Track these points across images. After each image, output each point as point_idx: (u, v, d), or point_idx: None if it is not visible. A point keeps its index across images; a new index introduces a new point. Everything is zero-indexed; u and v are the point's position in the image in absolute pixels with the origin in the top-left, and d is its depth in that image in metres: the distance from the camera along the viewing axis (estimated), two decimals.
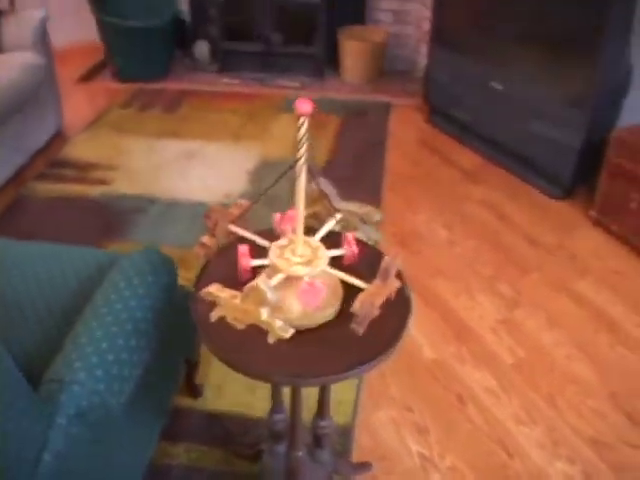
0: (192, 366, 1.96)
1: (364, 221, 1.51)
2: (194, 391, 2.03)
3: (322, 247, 1.27)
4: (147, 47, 4.38)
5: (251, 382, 2.10)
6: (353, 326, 1.17)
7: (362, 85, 4.54)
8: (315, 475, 1.72)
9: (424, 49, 4.28)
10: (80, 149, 3.62)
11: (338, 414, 1.99)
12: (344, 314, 1.24)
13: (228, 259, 1.34)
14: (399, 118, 4.05)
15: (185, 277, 1.78)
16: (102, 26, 4.31)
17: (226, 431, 1.98)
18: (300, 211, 1.21)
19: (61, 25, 4.28)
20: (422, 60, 4.37)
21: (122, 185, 3.26)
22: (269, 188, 1.36)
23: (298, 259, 1.23)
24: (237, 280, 1.28)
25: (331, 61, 4.59)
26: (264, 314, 1.13)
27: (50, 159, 3.49)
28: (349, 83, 4.57)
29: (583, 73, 2.91)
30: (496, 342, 2.35)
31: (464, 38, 3.59)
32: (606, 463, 1.93)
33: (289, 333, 1.14)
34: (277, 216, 1.39)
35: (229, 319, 1.18)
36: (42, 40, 3.40)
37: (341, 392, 2.08)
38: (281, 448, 1.72)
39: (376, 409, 2.08)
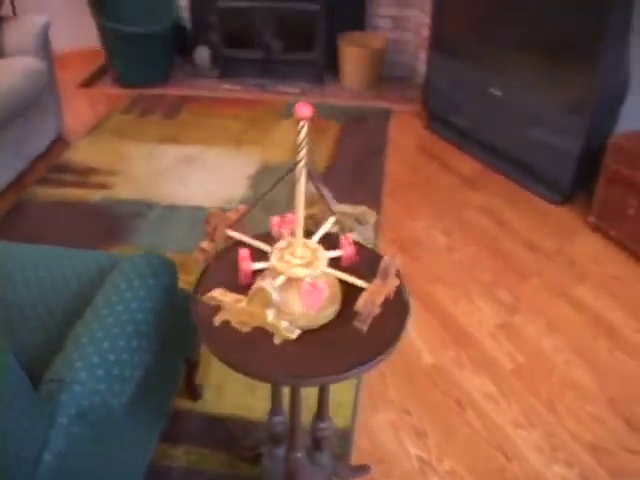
0: (192, 366, 1.97)
1: (359, 222, 1.52)
2: (194, 392, 2.04)
3: (321, 248, 1.28)
4: (148, 53, 4.40)
5: (251, 384, 2.12)
6: (356, 324, 1.18)
7: (362, 91, 4.56)
8: (314, 477, 1.72)
9: (423, 55, 4.30)
10: (81, 154, 3.63)
11: (337, 417, 1.99)
12: (343, 314, 1.26)
13: (226, 263, 1.36)
14: (398, 124, 4.07)
15: (185, 281, 1.79)
16: (103, 32, 4.34)
17: (226, 434, 1.98)
18: (300, 213, 1.22)
19: (62, 30, 4.30)
20: (421, 66, 4.39)
21: (123, 190, 3.28)
22: (267, 192, 1.37)
23: (298, 261, 1.24)
24: (237, 284, 1.29)
25: (331, 67, 4.61)
26: (270, 316, 1.14)
27: (51, 164, 3.50)
28: (349, 89, 4.59)
29: (582, 80, 2.92)
30: (495, 347, 2.36)
31: (463, 44, 3.60)
32: (604, 468, 1.93)
33: (295, 334, 1.16)
34: (275, 220, 1.40)
35: (234, 323, 1.19)
36: (43, 45, 3.41)
37: (340, 395, 2.09)
38: (280, 451, 1.72)
39: (375, 412, 2.09)
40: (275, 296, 1.14)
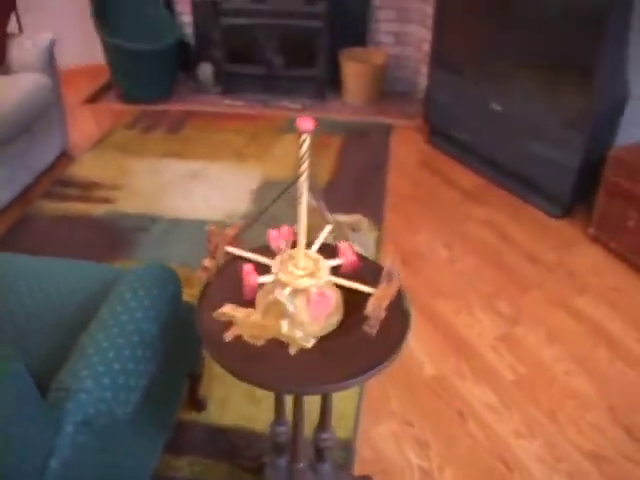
0: (195, 379, 1.99)
1: (354, 229, 1.55)
2: (197, 404, 2.06)
3: (322, 258, 1.30)
4: (152, 69, 4.45)
5: (254, 396, 2.14)
6: (366, 328, 1.22)
7: (363, 106, 4.60)
8: None
9: (424, 70, 4.34)
10: (85, 169, 3.67)
11: (340, 428, 2.01)
12: (344, 323, 1.28)
13: (226, 278, 1.38)
14: (400, 139, 4.10)
15: (189, 294, 1.82)
16: (107, 48, 4.39)
17: (229, 445, 2.00)
18: (302, 225, 1.25)
19: (67, 47, 4.35)
20: (422, 81, 4.43)
21: (126, 204, 3.31)
22: (269, 206, 1.40)
23: (302, 272, 1.27)
24: (240, 298, 1.31)
25: (333, 83, 4.65)
26: (285, 327, 1.17)
27: (56, 178, 3.54)
28: (350, 104, 4.63)
29: (581, 94, 2.96)
30: (496, 358, 2.37)
31: (464, 60, 3.65)
32: (605, 477, 1.94)
33: (311, 342, 1.19)
34: (272, 233, 1.42)
35: (246, 337, 1.21)
36: (49, 62, 3.46)
37: (343, 406, 2.11)
38: (283, 461, 1.74)
39: (377, 423, 2.10)
40: (290, 307, 1.17)
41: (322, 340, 1.25)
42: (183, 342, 1.76)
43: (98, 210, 3.25)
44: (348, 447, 2.00)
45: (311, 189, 1.25)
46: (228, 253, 1.42)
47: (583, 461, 1.99)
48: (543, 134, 3.17)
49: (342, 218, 1.47)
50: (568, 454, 2.01)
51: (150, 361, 1.42)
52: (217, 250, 1.41)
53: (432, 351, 2.41)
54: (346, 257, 1.37)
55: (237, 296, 1.31)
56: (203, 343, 1.25)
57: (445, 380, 2.28)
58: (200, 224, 3.11)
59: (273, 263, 1.30)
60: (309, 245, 1.37)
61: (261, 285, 1.32)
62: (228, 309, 1.21)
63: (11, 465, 1.10)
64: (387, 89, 4.70)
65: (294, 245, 1.36)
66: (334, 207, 1.46)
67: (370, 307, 1.22)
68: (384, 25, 4.64)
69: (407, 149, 3.98)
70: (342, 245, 1.40)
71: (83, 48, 4.83)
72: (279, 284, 1.25)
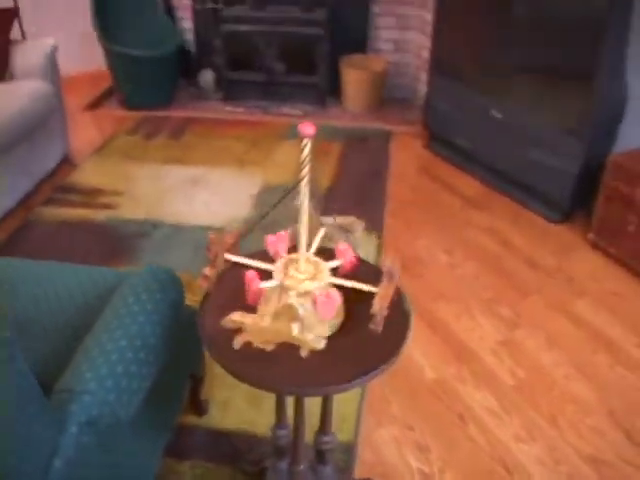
0: (197, 382, 2.00)
1: (348, 231, 1.56)
2: (199, 408, 2.07)
3: (321, 261, 1.32)
4: (153, 76, 4.48)
5: (255, 400, 2.15)
6: (372, 326, 1.25)
7: (363, 113, 4.62)
8: None
9: (424, 77, 4.37)
10: (87, 175, 3.69)
11: (341, 432, 2.02)
12: (345, 325, 1.30)
13: (225, 284, 1.39)
14: (399, 145, 4.12)
15: (191, 299, 1.83)
16: (109, 55, 4.41)
17: (231, 448, 2.01)
18: (303, 229, 1.26)
19: (69, 54, 4.38)
20: (422, 88, 4.45)
21: (128, 210, 3.32)
22: (270, 211, 1.41)
23: (303, 275, 1.28)
24: (241, 303, 1.32)
25: (333, 90, 4.67)
26: (295, 330, 1.20)
27: (57, 184, 3.56)
28: (350, 111, 4.65)
29: (580, 102, 2.97)
30: (496, 363, 2.38)
31: (463, 67, 3.67)
32: None
33: (322, 344, 1.21)
34: (270, 238, 1.43)
35: (257, 343, 1.22)
36: (51, 68, 3.48)
37: (344, 410, 2.12)
38: (284, 464, 1.75)
39: (378, 427, 2.11)
40: (302, 311, 1.20)
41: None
42: (185, 345, 1.78)
43: (99, 216, 3.26)
44: (349, 450, 2.01)
45: (311, 194, 1.27)
46: (227, 260, 1.43)
47: (583, 465, 2.00)
48: (543, 140, 3.19)
49: (336, 221, 1.47)
50: (568, 458, 2.02)
51: (153, 364, 1.43)
52: (217, 258, 1.42)
53: (432, 355, 2.42)
54: (345, 258, 1.39)
55: (237, 301, 1.32)
56: (205, 346, 1.26)
57: (446, 384, 2.29)
58: (201, 230, 3.14)
59: (275, 268, 1.31)
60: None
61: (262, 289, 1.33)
62: (237, 316, 1.23)
63: (15, 464, 1.11)
64: (387, 96, 4.73)
65: (291, 249, 1.38)
66: (334, 212, 1.48)
67: (377, 306, 1.24)
68: (384, 32, 4.67)
69: (407, 155, 4.00)
70: (341, 246, 1.41)
71: (85, 55, 4.86)
72: (283, 289, 1.26)
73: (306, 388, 1.22)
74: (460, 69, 3.68)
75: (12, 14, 3.55)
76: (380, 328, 1.25)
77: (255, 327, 1.22)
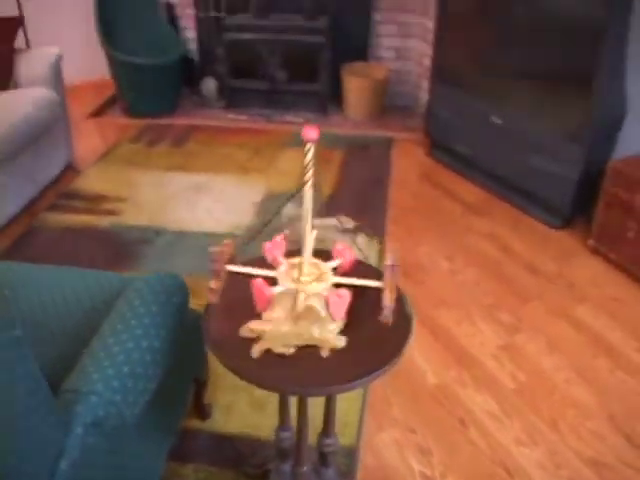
0: (201, 385, 2.02)
1: (339, 229, 1.58)
2: (203, 412, 2.08)
3: (321, 262, 1.34)
4: (156, 84, 4.51)
5: (258, 403, 2.16)
6: (382, 319, 1.30)
7: (365, 121, 4.65)
8: None
9: (425, 85, 4.40)
10: (90, 181, 3.71)
11: (343, 436, 2.03)
12: (346, 325, 1.32)
13: (227, 293, 1.41)
14: (401, 152, 4.15)
15: (195, 304, 1.84)
16: (113, 63, 4.45)
17: (234, 452, 2.02)
18: (307, 233, 1.28)
19: (73, 62, 4.41)
20: (423, 95, 4.48)
21: (131, 216, 3.35)
22: (272, 217, 1.44)
23: (309, 278, 1.30)
24: (250, 311, 1.33)
25: (335, 97, 4.70)
26: (316, 332, 1.24)
27: (61, 191, 3.59)
28: (352, 119, 4.68)
29: (580, 108, 3.00)
30: (497, 367, 2.40)
31: (464, 74, 3.70)
32: None
33: (343, 341, 1.25)
34: (267, 245, 1.44)
35: (276, 349, 1.25)
36: (56, 76, 3.52)
37: (346, 415, 2.13)
38: (287, 466, 1.76)
39: (380, 431, 2.13)
40: (323, 313, 1.24)
41: None
42: (189, 349, 1.80)
43: (103, 222, 3.29)
44: (351, 454, 2.02)
45: (314, 199, 1.29)
46: (230, 272, 1.44)
47: (583, 468, 2.01)
48: (543, 147, 3.22)
49: (327, 222, 1.49)
50: (569, 461, 2.03)
51: (158, 365, 1.45)
52: (221, 271, 1.42)
53: (434, 360, 2.43)
54: (345, 257, 1.41)
55: (242, 310, 1.34)
56: (210, 348, 1.28)
57: (447, 388, 2.31)
58: (204, 236, 3.16)
59: (278, 274, 1.33)
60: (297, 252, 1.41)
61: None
62: (255, 325, 1.26)
63: (21, 464, 1.12)
64: (388, 103, 4.75)
65: (287, 254, 1.40)
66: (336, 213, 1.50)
67: (387, 299, 1.28)
68: (385, 40, 4.70)
69: (408, 162, 4.02)
70: (339, 246, 1.43)
71: (88, 63, 4.90)
72: (291, 293, 1.28)
73: (309, 388, 1.23)
74: (461, 76, 3.71)
75: (17, 23, 3.58)
76: (390, 320, 1.29)
77: (275, 333, 1.24)
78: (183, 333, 1.66)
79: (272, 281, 1.32)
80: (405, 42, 4.67)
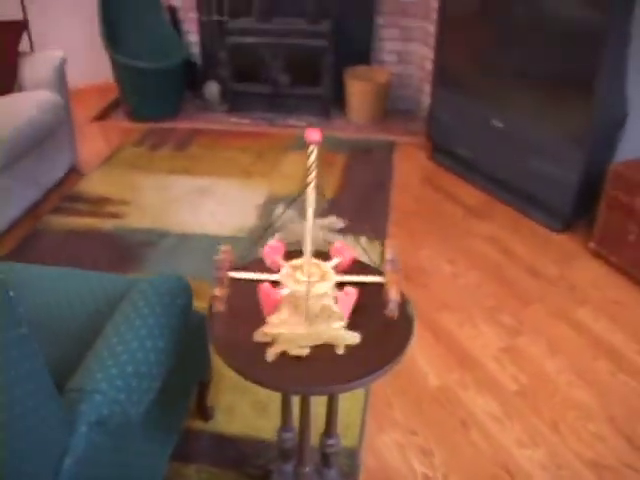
0: (203, 386, 2.03)
1: (330, 230, 1.60)
2: (205, 413, 2.09)
3: (321, 262, 1.36)
4: (159, 88, 4.54)
5: (260, 405, 2.18)
6: (388, 312, 1.32)
7: (367, 124, 4.66)
8: None
9: (427, 89, 4.42)
10: (94, 184, 3.73)
11: (345, 437, 2.04)
12: (348, 325, 1.33)
13: (229, 300, 1.41)
14: (403, 156, 4.16)
15: (199, 307, 1.86)
16: (116, 67, 4.48)
17: (236, 453, 2.03)
18: (309, 234, 1.30)
19: (77, 66, 4.44)
20: (425, 99, 4.50)
21: (134, 219, 3.36)
22: (274, 221, 1.45)
23: (313, 278, 1.32)
24: (253, 315, 1.34)
25: (337, 101, 4.72)
26: (334, 330, 1.28)
27: (65, 194, 3.61)
28: (354, 123, 4.69)
29: (580, 111, 3.01)
30: (499, 370, 2.41)
31: (466, 78, 3.72)
32: None
33: (358, 338, 1.27)
34: (266, 249, 1.45)
35: (292, 352, 1.27)
36: (60, 80, 3.54)
37: (348, 416, 2.14)
38: (289, 467, 1.77)
39: (382, 433, 2.14)
40: (336, 309, 1.27)
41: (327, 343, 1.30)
42: (193, 350, 1.81)
43: (107, 225, 3.31)
44: (353, 455, 2.03)
45: (317, 201, 1.30)
46: (234, 279, 1.44)
47: (584, 469, 2.02)
48: (544, 150, 3.23)
49: (317, 223, 1.50)
50: (570, 462, 2.04)
51: (162, 365, 1.47)
52: (224, 278, 1.42)
53: (436, 362, 2.44)
54: (344, 256, 1.42)
55: (248, 315, 1.36)
56: (214, 348, 1.30)
57: (449, 390, 2.32)
58: (207, 239, 3.17)
59: (282, 277, 1.34)
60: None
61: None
62: (270, 328, 1.27)
63: (26, 462, 1.14)
64: (390, 107, 4.77)
65: (284, 257, 1.41)
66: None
67: (393, 293, 1.30)
68: (387, 44, 4.72)
69: (410, 166, 4.04)
70: (337, 245, 1.45)
71: (92, 66, 4.93)
72: (298, 295, 1.29)
73: (311, 387, 1.25)
74: (462, 80, 3.73)
75: (21, 26, 3.61)
76: (396, 314, 1.31)
77: (291, 336, 1.26)
78: (187, 334, 1.67)
79: (274, 284, 1.33)
80: (407, 46, 4.69)
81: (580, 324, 2.64)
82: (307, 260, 1.32)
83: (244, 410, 2.18)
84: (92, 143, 4.28)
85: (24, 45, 3.88)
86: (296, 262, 1.37)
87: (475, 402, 2.26)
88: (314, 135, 1.20)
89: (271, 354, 1.26)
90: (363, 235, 3.16)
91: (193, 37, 4.95)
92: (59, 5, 4.86)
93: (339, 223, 1.92)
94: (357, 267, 1.46)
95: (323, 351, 1.28)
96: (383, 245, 3.11)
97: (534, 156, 3.28)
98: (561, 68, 3.09)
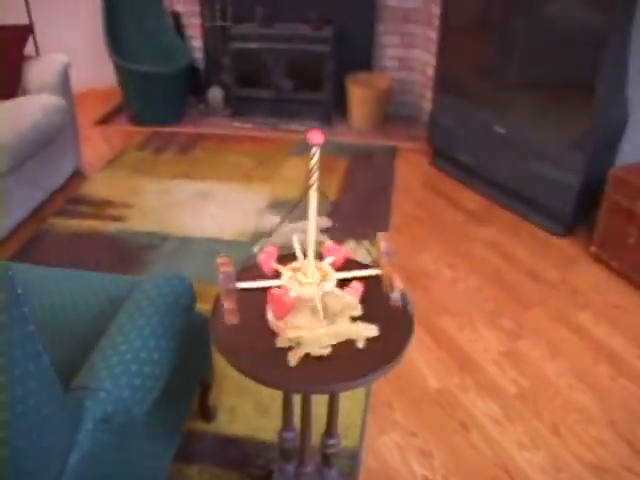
0: (206, 388, 2.04)
1: (320, 231, 1.61)
2: (207, 414, 2.11)
3: (318, 261, 1.37)
4: (163, 93, 4.56)
5: (262, 406, 2.19)
6: (392, 302, 1.36)
7: (369, 130, 4.68)
8: None
9: (428, 95, 4.44)
10: (97, 187, 3.75)
11: (346, 438, 2.06)
12: None
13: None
14: (404, 161, 4.18)
15: (201, 309, 1.87)
16: (120, 72, 4.50)
17: (238, 453, 2.04)
18: (311, 236, 1.31)
19: (81, 70, 4.47)
20: (427, 105, 4.52)
21: (137, 222, 3.38)
22: (278, 226, 1.47)
23: (317, 278, 1.33)
24: (262, 322, 1.36)
25: (339, 107, 4.74)
26: (356, 326, 1.31)
27: (68, 196, 3.63)
28: (356, 128, 4.71)
29: (581, 116, 3.03)
30: (499, 373, 2.42)
31: (467, 84, 3.74)
32: None
33: (376, 331, 1.30)
34: (261, 257, 1.45)
35: (314, 352, 1.28)
36: (64, 84, 3.56)
37: (348, 418, 2.15)
38: (291, 467, 1.79)
39: (382, 434, 2.15)
40: (354, 304, 1.30)
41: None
42: (195, 351, 1.82)
43: (109, 228, 3.33)
44: (354, 456, 2.04)
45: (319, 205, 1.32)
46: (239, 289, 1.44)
47: (584, 472, 2.03)
48: (545, 155, 3.25)
49: (304, 225, 1.50)
50: (570, 466, 2.05)
51: (165, 364, 1.48)
52: (232, 289, 1.42)
53: (436, 366, 2.45)
54: (338, 255, 1.43)
55: (254, 321, 1.37)
56: (217, 348, 1.31)
57: (449, 393, 2.33)
58: (209, 242, 3.19)
59: (285, 281, 1.35)
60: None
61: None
62: (292, 333, 1.29)
63: (32, 458, 1.15)
64: (392, 113, 4.79)
65: (278, 261, 1.42)
66: (340, 227, 1.54)
67: (397, 282, 1.34)
68: (389, 50, 4.75)
69: (411, 171, 4.06)
70: (328, 244, 1.46)
71: (96, 71, 4.96)
72: (304, 297, 1.31)
73: (312, 386, 1.26)
74: (464, 86, 3.75)
75: (27, 31, 3.63)
76: (400, 303, 1.35)
77: (313, 337, 1.28)
78: (189, 335, 1.69)
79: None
80: (408, 52, 4.72)
81: (581, 328, 2.65)
82: (311, 261, 1.34)
83: (246, 411, 2.20)
84: (96, 147, 4.30)
85: (29, 49, 3.91)
86: (295, 265, 1.38)
87: (475, 405, 2.28)
88: (316, 137, 1.22)
89: (294, 358, 1.27)
90: (366, 239, 3.18)
91: (196, 42, 4.98)
92: (64, 10, 4.89)
93: (326, 223, 1.93)
94: (351, 264, 1.48)
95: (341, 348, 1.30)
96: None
97: (535, 161, 3.29)
98: (562, 73, 3.11)
